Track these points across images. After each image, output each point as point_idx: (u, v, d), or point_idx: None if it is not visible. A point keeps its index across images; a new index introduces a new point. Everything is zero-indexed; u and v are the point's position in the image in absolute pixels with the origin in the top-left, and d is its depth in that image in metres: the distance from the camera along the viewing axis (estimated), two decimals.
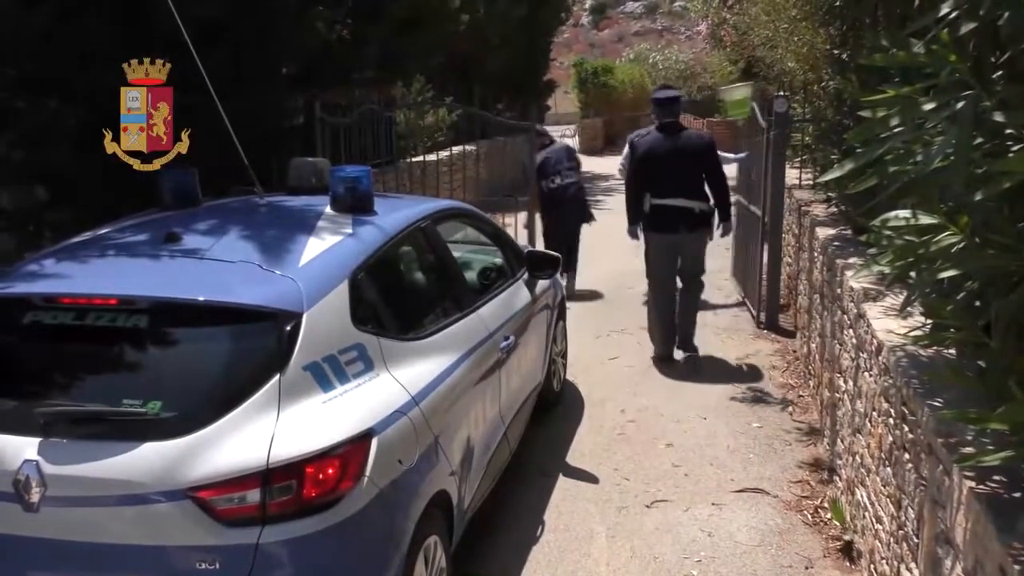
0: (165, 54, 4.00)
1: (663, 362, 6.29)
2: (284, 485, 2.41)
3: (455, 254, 4.27)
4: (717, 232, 6.48)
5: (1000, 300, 2.00)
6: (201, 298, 2.72)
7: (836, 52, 5.50)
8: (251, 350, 2.65)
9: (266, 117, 6.75)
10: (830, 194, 6.01)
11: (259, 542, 2.38)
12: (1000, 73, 2.02)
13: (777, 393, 5.62)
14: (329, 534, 2.46)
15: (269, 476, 2.39)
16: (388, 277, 3.46)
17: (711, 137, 6.76)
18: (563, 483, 4.41)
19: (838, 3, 5.06)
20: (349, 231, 3.30)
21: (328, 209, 3.53)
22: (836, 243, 4.86)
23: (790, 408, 5.35)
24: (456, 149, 12.11)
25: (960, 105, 1.79)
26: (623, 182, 6.99)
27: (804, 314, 6.16)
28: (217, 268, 2.91)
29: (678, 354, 6.39)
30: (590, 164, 21.16)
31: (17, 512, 2.42)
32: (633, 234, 6.51)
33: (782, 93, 7.58)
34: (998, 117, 1.77)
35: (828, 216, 5.83)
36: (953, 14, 1.90)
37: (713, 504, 4.16)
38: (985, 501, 1.90)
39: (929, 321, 2.60)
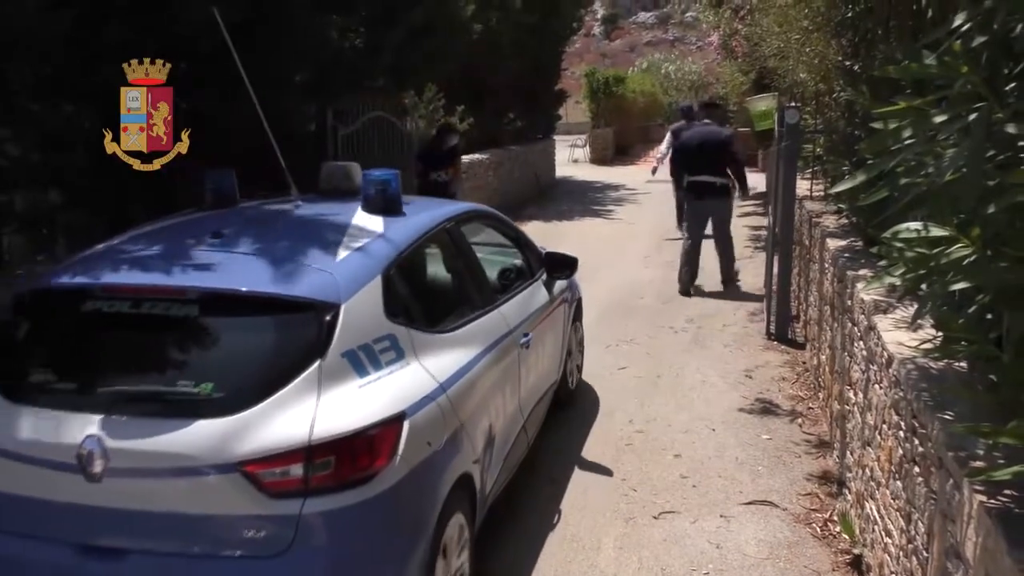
0: (186, 58, 4.03)
1: (683, 296, 8.65)
2: (324, 461, 2.59)
3: (478, 254, 4.44)
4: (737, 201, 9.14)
5: (1012, 313, 1.99)
6: (249, 289, 2.91)
7: (848, 64, 5.49)
8: (294, 337, 2.84)
9: (279, 122, 6.79)
10: (841, 205, 5.99)
11: (301, 513, 2.55)
12: (1013, 85, 2.02)
13: (786, 405, 5.60)
14: (365, 507, 2.64)
15: (311, 452, 2.57)
16: (417, 274, 3.73)
17: (730, 133, 9.20)
18: (570, 493, 4.40)
19: (850, 15, 5.06)
20: (381, 230, 3.48)
21: (360, 210, 3.71)
22: (846, 255, 4.84)
23: (799, 420, 5.33)
24: (467, 158, 12.12)
25: (972, 117, 1.79)
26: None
27: (814, 325, 6.13)
28: (262, 262, 3.08)
29: (711, 286, 8.84)
30: (600, 174, 21.25)
31: (80, 482, 2.60)
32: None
33: (794, 104, 7.57)
34: (1011, 129, 1.76)
35: (839, 227, 5.81)
36: (966, 26, 1.89)
37: (721, 516, 4.14)
38: (996, 516, 1.88)
39: (940, 334, 2.59)
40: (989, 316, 2.18)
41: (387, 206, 3.72)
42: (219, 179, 4.01)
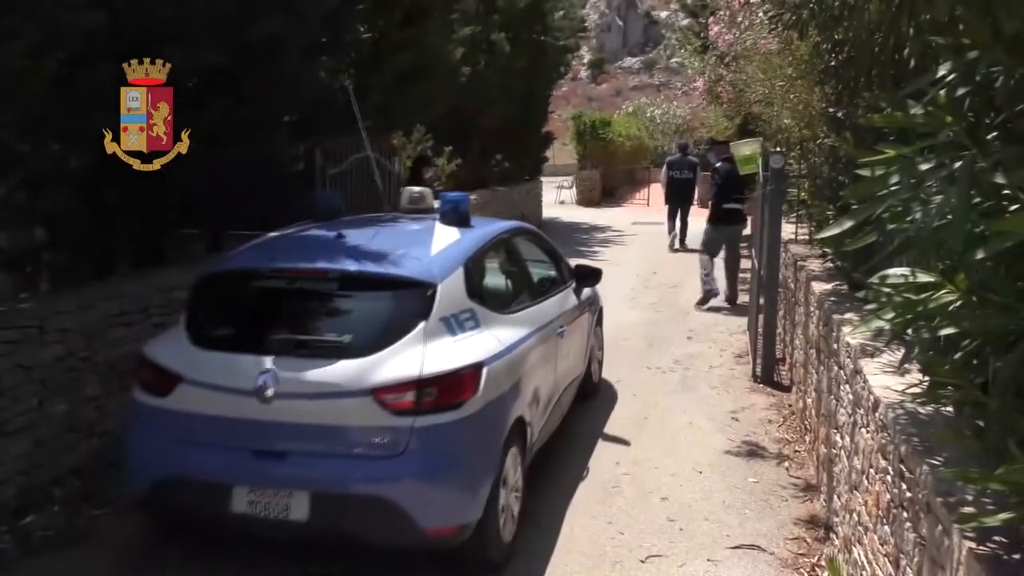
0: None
1: (703, 303, 10.13)
2: (430, 390, 3.61)
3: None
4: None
5: (998, 359, 2.00)
6: (375, 271, 4.01)
7: (831, 111, 5.58)
8: (407, 305, 3.91)
9: (268, 166, 6.85)
10: (826, 249, 6.04)
11: (413, 426, 3.57)
12: (995, 135, 2.06)
13: (773, 448, 5.59)
14: (456, 425, 3.64)
15: (421, 384, 3.60)
16: (485, 269, 4.74)
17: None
18: (557, 536, 4.36)
19: (833, 63, 5.15)
20: (458, 236, 4.58)
21: (438, 223, 4.79)
22: (832, 298, 4.88)
23: (786, 463, 5.31)
24: None
25: (958, 166, 1.82)
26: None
27: (799, 368, 6.15)
28: (379, 253, 4.16)
29: (717, 301, 10.14)
30: (587, 216, 21.36)
31: (256, 404, 3.62)
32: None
33: (778, 149, 7.67)
34: (999, 178, 1.79)
35: (824, 271, 5.86)
36: (950, 77, 1.94)
37: (709, 560, 4.11)
38: (986, 562, 1.88)
39: (927, 379, 2.60)
40: (975, 361, 2.19)
41: (459, 220, 4.81)
42: (328, 198, 5.40)
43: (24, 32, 4.09)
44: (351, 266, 4.04)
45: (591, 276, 6.19)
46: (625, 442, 5.68)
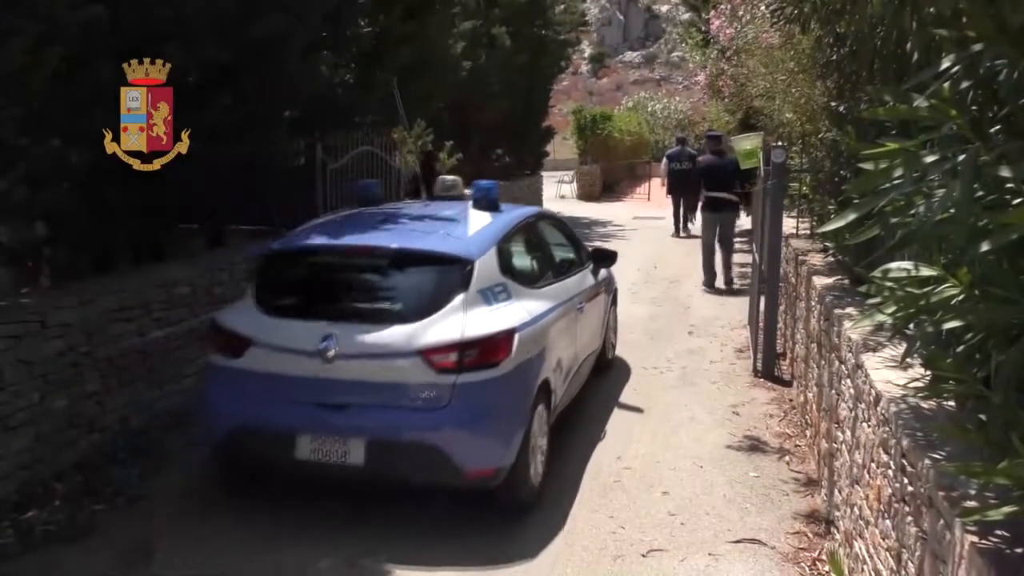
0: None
1: (708, 287, 10.88)
2: (470, 352, 4.16)
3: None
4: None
5: (1001, 353, 2.00)
6: (422, 248, 4.67)
7: (833, 104, 5.57)
8: (449, 278, 4.44)
9: (269, 162, 6.83)
10: (827, 244, 6.03)
11: (455, 383, 4.12)
12: (998, 128, 2.05)
13: (774, 442, 5.58)
14: (492, 382, 4.20)
15: (463, 346, 4.14)
16: (514, 248, 5.25)
17: (736, 160, 10.23)
18: (560, 530, 4.36)
19: (835, 57, 5.14)
20: (490, 219, 5.16)
21: (471, 207, 5.38)
22: (833, 293, 4.87)
23: (787, 458, 5.31)
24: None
25: (961, 159, 1.81)
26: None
27: (800, 363, 6.15)
28: (423, 234, 4.95)
29: (720, 283, 10.90)
30: (588, 210, 21.33)
31: (319, 363, 4.15)
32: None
33: (780, 143, 7.65)
34: (1002, 172, 1.78)
35: (825, 265, 5.85)
36: (953, 70, 1.93)
37: (710, 554, 4.11)
38: (988, 556, 1.87)
39: (929, 373, 2.59)
40: (978, 355, 2.19)
41: (490, 205, 5.39)
42: (369, 186, 6.04)
43: (24, 29, 4.08)
44: (400, 244, 4.68)
45: (607, 258, 6.74)
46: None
